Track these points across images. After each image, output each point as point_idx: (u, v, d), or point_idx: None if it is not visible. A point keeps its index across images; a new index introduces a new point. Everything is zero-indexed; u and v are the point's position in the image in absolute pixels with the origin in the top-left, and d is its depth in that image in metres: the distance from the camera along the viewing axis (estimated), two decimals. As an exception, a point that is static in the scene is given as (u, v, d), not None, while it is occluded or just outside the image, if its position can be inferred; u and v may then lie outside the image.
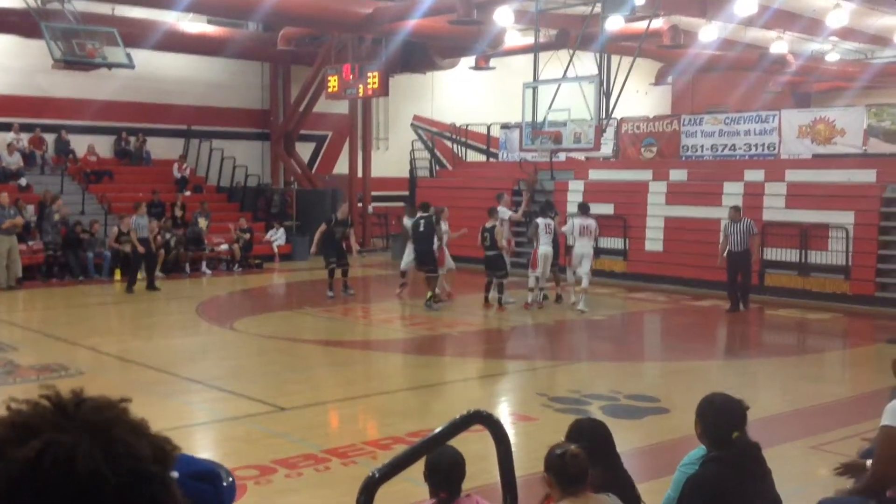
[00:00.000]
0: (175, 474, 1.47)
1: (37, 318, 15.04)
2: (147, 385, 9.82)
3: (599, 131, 19.34)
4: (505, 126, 24.74)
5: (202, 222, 21.30)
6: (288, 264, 22.56)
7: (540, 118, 19.57)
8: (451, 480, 3.93)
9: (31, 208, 19.83)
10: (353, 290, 17.36)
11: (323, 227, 17.13)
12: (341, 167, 27.73)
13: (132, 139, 24.26)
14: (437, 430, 2.90)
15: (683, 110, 27.47)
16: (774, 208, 17.76)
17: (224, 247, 21.35)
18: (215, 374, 10.69)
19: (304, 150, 27.44)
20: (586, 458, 3.51)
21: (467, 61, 27.30)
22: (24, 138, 22.31)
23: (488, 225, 15.82)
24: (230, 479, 1.70)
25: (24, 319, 14.77)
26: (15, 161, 21.68)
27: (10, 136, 21.97)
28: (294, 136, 26.50)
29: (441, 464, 3.87)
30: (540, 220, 15.52)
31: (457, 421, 2.89)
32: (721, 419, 3.87)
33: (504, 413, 8.87)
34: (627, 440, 8.03)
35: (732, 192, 18.32)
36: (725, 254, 15.54)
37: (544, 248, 15.40)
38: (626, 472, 4.05)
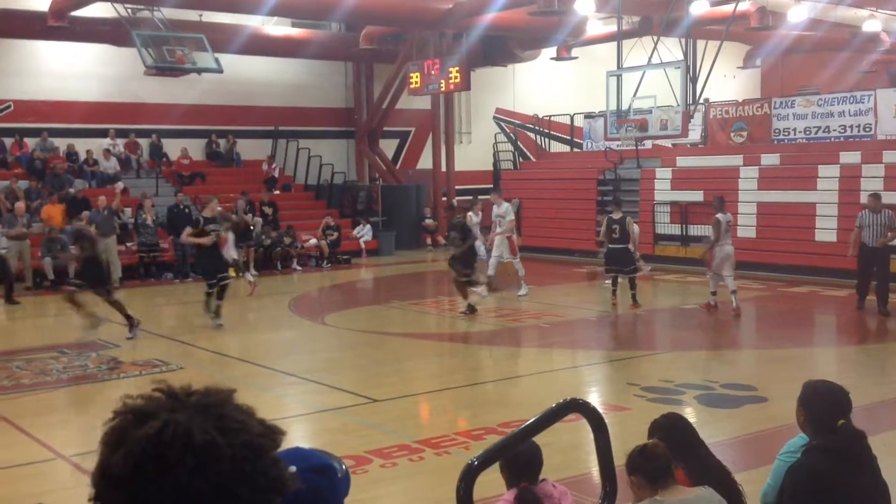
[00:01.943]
0: (293, 468, 1.54)
1: (136, 316, 15.53)
2: (244, 378, 10.08)
3: (687, 117, 18.99)
4: (589, 115, 24.51)
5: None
6: (375, 259, 22.83)
7: (625, 106, 19.33)
8: (531, 470, 3.92)
9: (128, 211, 20.54)
10: (222, 320, 13.35)
11: (188, 230, 13.88)
12: (425, 162, 27.89)
13: (222, 141, 24.88)
14: (534, 418, 2.90)
15: (773, 93, 26.73)
16: (872, 191, 17.15)
17: (313, 243, 21.73)
18: (309, 367, 10.90)
19: (388, 147, 27.70)
20: (665, 448, 3.47)
21: (548, 52, 27.11)
22: (120, 143, 23.10)
23: (616, 216, 14.87)
24: (344, 468, 1.74)
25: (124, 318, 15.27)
26: (112, 166, 22.48)
27: (106, 142, 22.78)
28: (378, 133, 26.77)
29: (520, 454, 3.86)
30: (721, 217, 13.99)
31: (553, 409, 2.89)
32: (826, 406, 3.77)
33: (595, 403, 8.79)
34: (724, 430, 7.90)
35: (827, 176, 17.78)
36: (856, 247, 13.68)
37: (728, 247, 13.99)
38: (719, 463, 3.98)
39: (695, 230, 19.47)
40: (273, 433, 1.35)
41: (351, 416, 8.61)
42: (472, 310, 14.10)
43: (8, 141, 21.87)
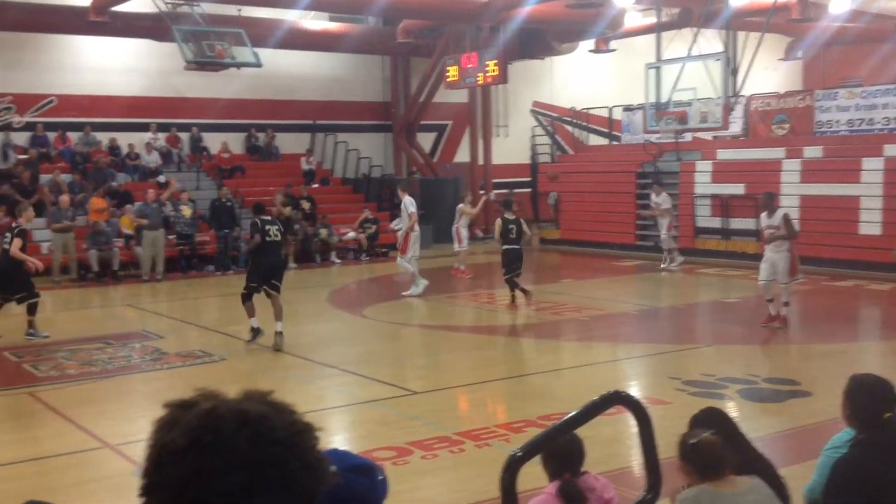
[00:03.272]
0: (333, 468, 1.59)
1: (179, 307, 15.76)
2: (285, 370, 10.18)
3: (727, 109, 18.80)
4: (627, 108, 24.34)
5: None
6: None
7: (664, 98, 19.18)
8: (573, 462, 3.92)
9: (169, 204, 20.77)
10: (45, 333, 12.32)
11: (18, 241, 12.35)
12: (462, 155, 27.89)
13: (261, 135, 25.08)
14: (576, 410, 2.90)
15: (814, 85, 26.35)
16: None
17: (351, 236, 21.84)
18: (348, 358, 10.98)
19: (426, 140, 27.73)
20: (722, 444, 3.45)
21: (586, 44, 26.96)
22: (161, 137, 23.38)
23: (510, 217, 14.77)
24: (383, 475, 1.79)
25: (168, 309, 15.50)
26: (154, 159, 22.77)
27: (148, 136, 23.07)
28: (415, 127, 26.81)
29: (563, 446, 3.86)
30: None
31: (596, 402, 2.89)
32: (872, 400, 3.74)
33: (635, 396, 8.77)
34: (767, 425, 7.83)
35: (871, 168, 17.50)
36: None
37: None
38: (762, 457, 3.95)
39: (736, 223, 19.29)
40: (312, 424, 1.40)
41: (391, 408, 8.66)
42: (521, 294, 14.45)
43: (51, 135, 22.23)
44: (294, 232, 19.93)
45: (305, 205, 22.43)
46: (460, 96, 26.23)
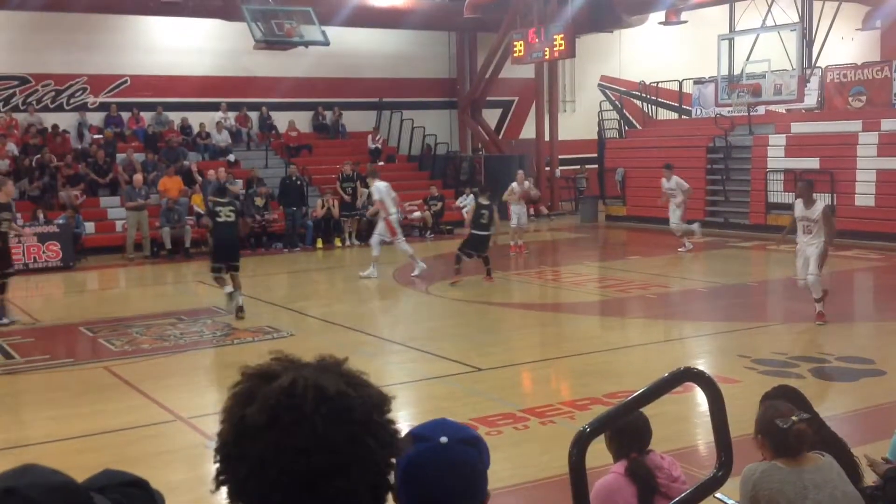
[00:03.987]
0: (444, 439, 1.60)
1: (248, 284, 16.00)
2: (351, 346, 10.28)
3: (802, 81, 18.30)
4: (698, 81, 23.85)
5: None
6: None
7: (737, 71, 18.74)
8: (640, 440, 3.86)
9: (239, 182, 21.10)
10: (16, 318, 12.05)
11: None
12: (528, 132, 27.69)
13: (328, 113, 25.26)
14: (646, 387, 2.85)
15: (893, 55, 25.41)
16: None
17: (417, 216, 21.89)
18: (413, 335, 11.04)
19: (491, 117, 27.60)
20: (811, 433, 3.38)
21: (656, 16, 26.46)
22: (231, 117, 23.72)
23: (485, 202, 14.60)
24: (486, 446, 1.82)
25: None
26: (224, 138, 23.13)
27: (218, 115, 23.43)
28: (481, 103, 26.69)
29: (630, 424, 3.80)
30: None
31: (666, 378, 2.83)
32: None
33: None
34: (840, 403, 7.64)
35: (953, 141, 16.87)
36: None
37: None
38: (835, 436, 3.85)
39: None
40: (387, 395, 1.39)
41: (455, 384, 8.68)
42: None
43: (125, 115, 22.73)
44: (253, 214, 19.84)
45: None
46: (527, 72, 26.01)
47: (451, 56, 27.35)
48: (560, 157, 26.81)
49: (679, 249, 17.73)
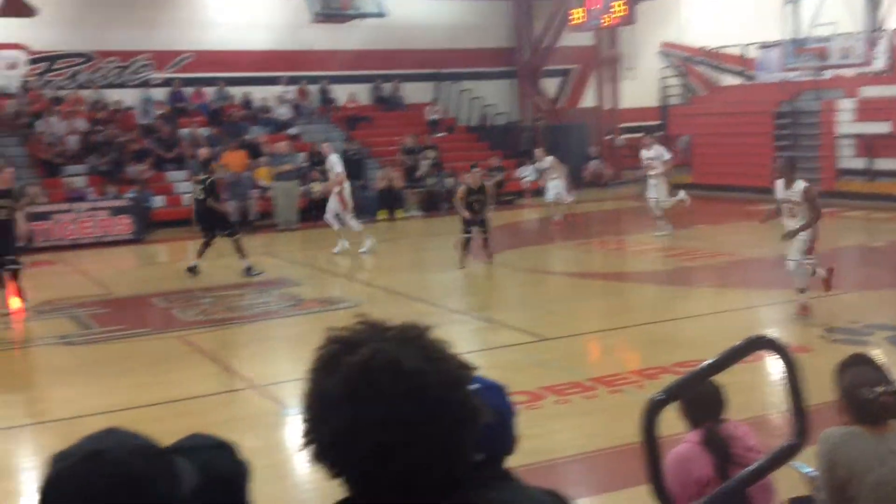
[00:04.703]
0: (476, 385, 1.61)
1: (313, 256, 16.24)
2: (417, 316, 10.35)
3: (870, 44, 17.74)
4: (763, 46, 23.29)
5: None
6: (539, 200, 22.70)
7: (802, 34, 18.26)
8: (715, 409, 3.86)
9: (301, 155, 21.34)
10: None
11: None
12: (588, 100, 27.40)
13: (387, 85, 25.30)
14: (719, 355, 2.85)
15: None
16: None
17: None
18: (477, 304, 11.11)
19: (551, 85, 27.36)
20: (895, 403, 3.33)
21: (719, -21, 25.87)
22: (292, 90, 23.92)
23: (476, 186, 13.83)
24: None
25: (303, 257, 16.02)
26: (285, 112, 23.35)
27: (279, 89, 23.65)
28: (540, 72, 26.48)
29: (703, 393, 3.79)
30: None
31: (740, 346, 2.82)
32: None
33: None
34: (916, 373, 7.50)
35: None
36: None
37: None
38: None
39: (881, 164, 18.33)
40: (468, 366, 1.42)
41: (521, 354, 8.72)
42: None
43: (188, 90, 23.08)
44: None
45: (430, 154, 22.59)
46: (585, 39, 25.69)
47: (508, 24, 27.11)
48: (621, 125, 26.49)
49: (657, 234, 15.87)
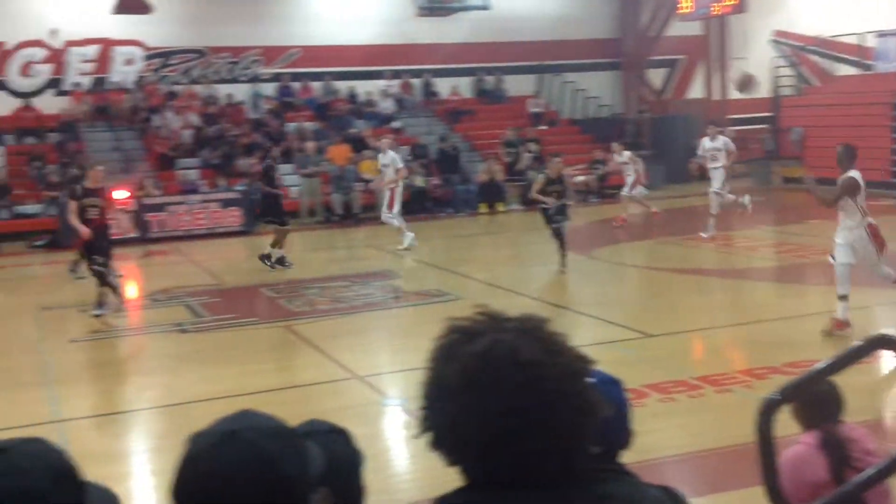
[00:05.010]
0: (591, 380, 1.59)
1: (415, 248, 16.36)
2: (518, 310, 10.34)
3: None
4: (881, 34, 22.30)
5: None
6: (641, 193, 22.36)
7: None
8: (832, 411, 3.71)
9: (404, 149, 21.53)
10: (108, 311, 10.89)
11: (72, 205, 10.99)
12: (695, 91, 26.77)
13: (489, 78, 25.28)
14: (838, 354, 2.75)
15: None
16: None
17: (580, 180, 21.67)
18: (579, 300, 11.01)
19: (656, 76, 26.85)
20: None
21: (835, -36, 24.89)
22: (395, 84, 24.16)
23: (554, 175, 12.68)
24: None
25: (405, 250, 16.14)
26: (389, 106, 23.62)
27: (382, 83, 23.92)
28: (645, 63, 26.02)
29: (821, 393, 3.65)
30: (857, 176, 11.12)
31: (860, 346, 2.72)
32: None
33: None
34: None
35: None
36: None
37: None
38: None
39: None
40: (586, 359, 1.41)
41: (625, 350, 8.59)
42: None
43: (296, 85, 23.57)
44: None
45: (533, 147, 22.48)
46: (693, 28, 25.10)
47: (613, 15, 26.71)
48: (730, 116, 25.78)
49: (702, 234, 15.02)
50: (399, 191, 15.52)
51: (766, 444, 2.90)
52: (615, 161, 18.08)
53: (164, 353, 9.54)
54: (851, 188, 8.57)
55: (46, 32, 21.47)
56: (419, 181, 20.70)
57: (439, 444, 1.37)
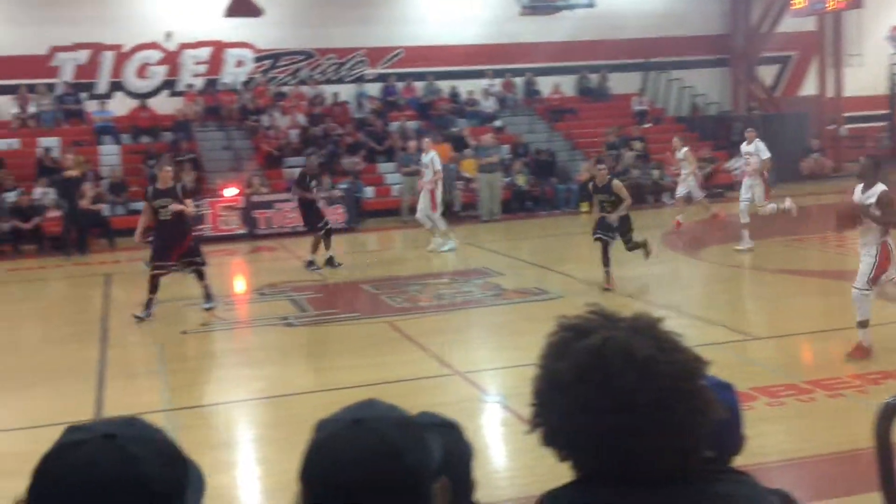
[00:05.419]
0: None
1: (513, 247, 16.36)
2: (618, 310, 10.22)
3: None
4: None
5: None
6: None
7: None
8: None
9: (504, 148, 21.53)
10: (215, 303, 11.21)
11: (145, 207, 11.21)
12: (808, 88, 25.90)
13: (593, 76, 25.02)
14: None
15: None
16: None
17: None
18: (683, 300, 10.78)
19: (767, 73, 26.09)
20: None
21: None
22: (497, 83, 24.17)
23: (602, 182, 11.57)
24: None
25: (505, 248, 16.16)
26: (490, 105, 23.65)
27: (484, 83, 23.96)
28: (755, 60, 25.31)
29: None
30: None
31: None
32: None
33: None
34: None
35: None
36: None
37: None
38: None
39: None
40: (701, 359, 1.39)
41: (730, 352, 8.37)
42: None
43: (399, 85, 23.84)
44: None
45: (637, 145, 22.15)
46: (807, 24, 24.27)
47: (722, 10, 26.07)
48: (845, 114, 24.85)
49: (737, 248, 13.85)
50: (438, 192, 15.35)
51: (885, 449, 2.79)
52: (674, 157, 17.24)
53: (270, 346, 9.79)
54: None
55: (162, 35, 22.31)
56: (520, 180, 20.66)
57: (552, 439, 1.37)
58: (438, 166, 15.39)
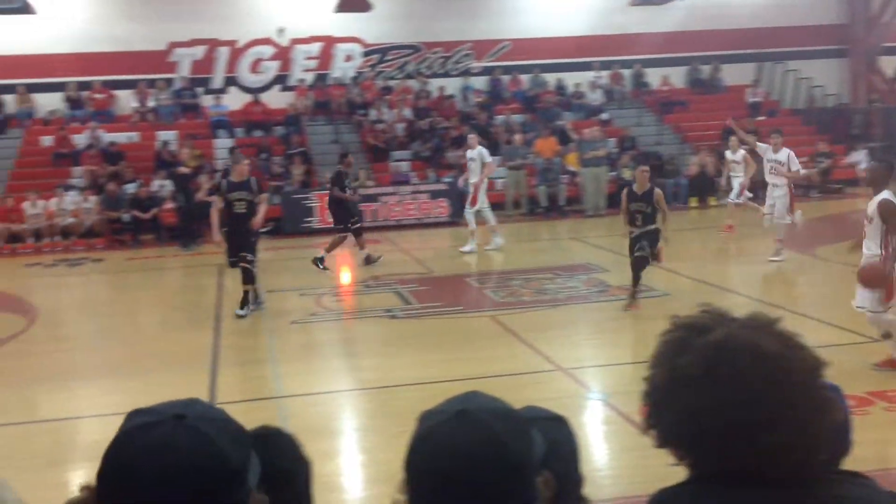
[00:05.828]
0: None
1: (620, 242, 16.07)
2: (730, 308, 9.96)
3: None
4: None
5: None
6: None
7: None
8: None
9: (611, 141, 21.23)
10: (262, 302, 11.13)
11: (217, 201, 10.93)
12: (935, 79, 24.66)
13: (705, 68, 24.42)
14: None
15: None
16: None
17: (802, 172, 20.52)
18: (797, 299, 10.48)
19: (889, 64, 24.93)
20: None
21: None
22: (605, 75, 23.85)
23: (641, 190, 10.40)
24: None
25: (609, 243, 15.94)
26: (597, 97, 23.36)
27: (591, 75, 23.68)
28: (877, 50, 24.22)
29: None
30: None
31: None
32: None
33: None
34: None
35: None
36: None
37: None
38: None
39: None
40: (821, 359, 1.36)
41: (846, 354, 8.07)
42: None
43: (505, 78, 23.78)
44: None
45: (750, 139, 21.47)
46: (935, 11, 23.10)
47: (840, 0, 25.04)
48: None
49: (771, 258, 12.92)
50: (483, 187, 15.09)
51: None
52: (727, 158, 16.30)
53: (375, 338, 9.94)
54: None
55: (274, 31, 22.86)
56: (626, 174, 20.33)
57: (672, 437, 1.36)
58: (489, 158, 15.23)
